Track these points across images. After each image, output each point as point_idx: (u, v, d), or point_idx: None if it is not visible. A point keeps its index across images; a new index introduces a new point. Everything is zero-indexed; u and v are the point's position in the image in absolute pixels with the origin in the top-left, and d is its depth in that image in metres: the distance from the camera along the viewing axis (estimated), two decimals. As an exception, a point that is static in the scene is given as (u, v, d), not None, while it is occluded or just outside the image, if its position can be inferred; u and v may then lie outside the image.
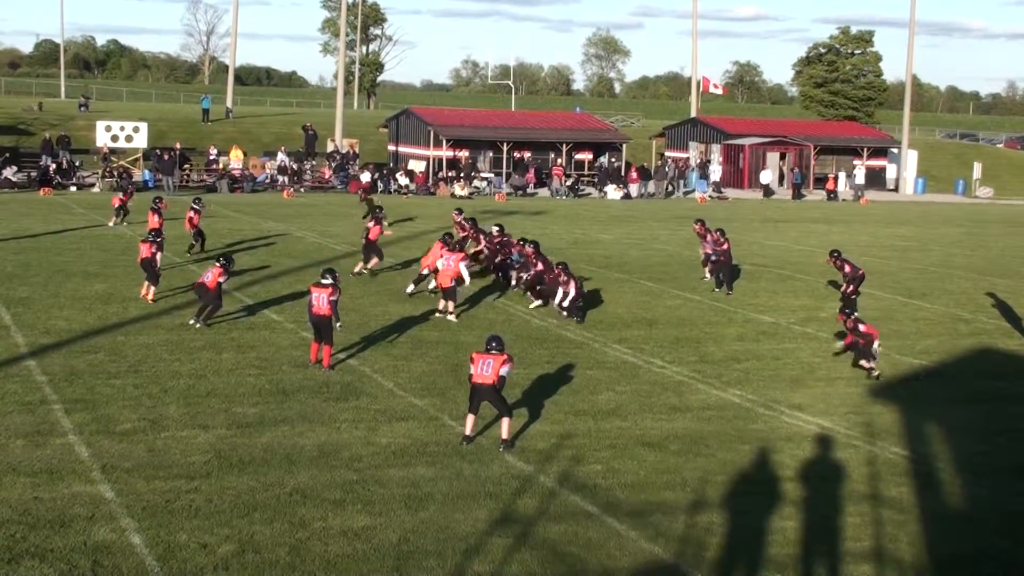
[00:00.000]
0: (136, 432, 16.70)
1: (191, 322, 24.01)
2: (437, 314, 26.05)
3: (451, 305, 25.99)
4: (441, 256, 26.76)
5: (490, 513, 14.01)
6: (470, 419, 16.91)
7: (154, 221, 31.37)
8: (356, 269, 30.97)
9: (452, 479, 15.20)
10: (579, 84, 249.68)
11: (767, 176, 71.98)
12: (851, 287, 28.20)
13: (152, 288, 26.54)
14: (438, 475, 15.34)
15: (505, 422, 16.83)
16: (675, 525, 13.90)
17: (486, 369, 16.62)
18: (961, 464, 16.77)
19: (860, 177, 73.97)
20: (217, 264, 24.13)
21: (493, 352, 16.72)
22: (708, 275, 32.34)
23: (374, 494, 14.51)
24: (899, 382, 21.89)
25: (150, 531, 13.01)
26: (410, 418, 17.96)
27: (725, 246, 31.17)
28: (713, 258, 31.61)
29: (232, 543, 12.78)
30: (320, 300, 20.56)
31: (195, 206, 34.54)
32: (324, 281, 20.80)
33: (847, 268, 28.35)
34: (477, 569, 12.41)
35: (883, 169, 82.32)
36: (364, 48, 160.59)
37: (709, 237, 32.12)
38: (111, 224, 40.16)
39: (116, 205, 40.84)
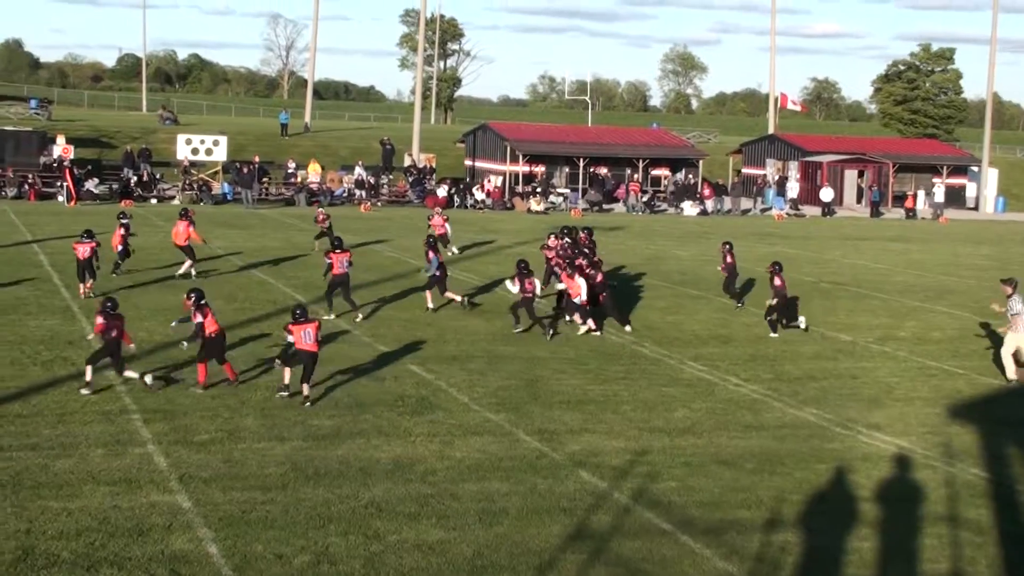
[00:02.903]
0: (214, 443, 16.89)
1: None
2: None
3: (579, 317, 26.65)
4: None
5: (564, 528, 14.00)
6: (287, 372, 19.46)
7: (190, 231, 31.57)
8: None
9: (526, 494, 15.21)
10: (656, 100, 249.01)
11: (828, 194, 71.19)
12: (777, 301, 27.45)
13: (91, 282, 28.25)
14: (512, 490, 15.36)
15: (305, 387, 19.20)
16: (750, 544, 13.81)
17: (308, 338, 19.17)
18: (1042, 487, 16.53)
19: (939, 195, 73.09)
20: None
21: (307, 320, 19.34)
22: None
23: (448, 508, 14.55)
24: (979, 402, 21.60)
25: (227, 541, 13.14)
26: (485, 432, 17.99)
27: (729, 259, 31.12)
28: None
29: (307, 554, 12.87)
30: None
31: (122, 220, 32.65)
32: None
33: (777, 281, 27.45)
34: (550, 585, 12.41)
35: (963, 187, 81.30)
36: (442, 63, 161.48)
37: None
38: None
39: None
